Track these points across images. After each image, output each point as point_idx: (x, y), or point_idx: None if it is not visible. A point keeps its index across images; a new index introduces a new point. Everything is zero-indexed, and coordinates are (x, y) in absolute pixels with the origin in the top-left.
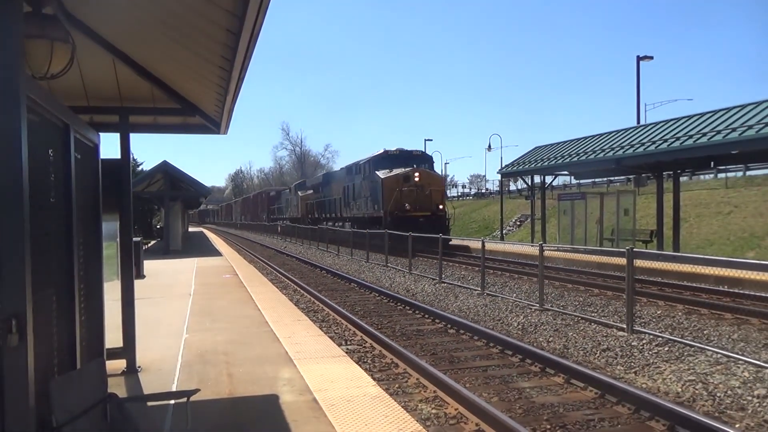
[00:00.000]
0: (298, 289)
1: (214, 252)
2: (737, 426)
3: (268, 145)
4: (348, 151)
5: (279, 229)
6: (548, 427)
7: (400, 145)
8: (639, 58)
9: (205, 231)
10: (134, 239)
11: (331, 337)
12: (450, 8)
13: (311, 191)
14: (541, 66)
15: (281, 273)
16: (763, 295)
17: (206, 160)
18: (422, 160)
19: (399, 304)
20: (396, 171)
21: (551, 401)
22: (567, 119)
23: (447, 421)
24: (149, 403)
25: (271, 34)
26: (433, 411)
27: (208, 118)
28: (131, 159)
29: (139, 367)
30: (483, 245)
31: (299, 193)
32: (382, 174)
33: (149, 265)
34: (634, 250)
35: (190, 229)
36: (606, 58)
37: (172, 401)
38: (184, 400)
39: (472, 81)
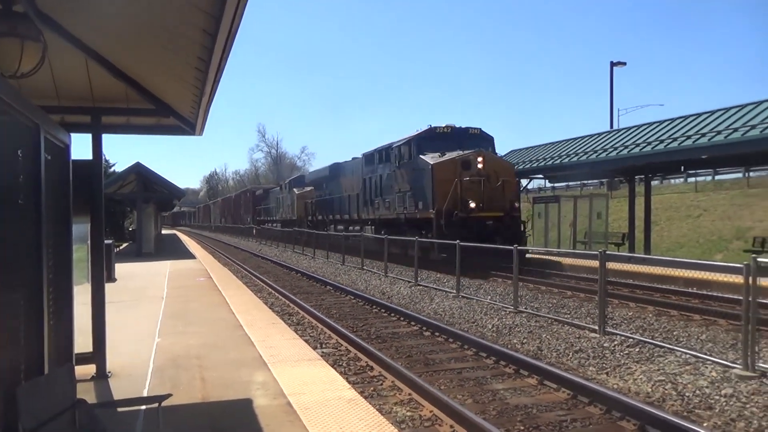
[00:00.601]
0: (273, 292)
1: (187, 255)
2: (705, 425)
3: (243, 146)
4: (325, 154)
5: (254, 231)
6: (522, 428)
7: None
8: (612, 64)
9: (179, 234)
10: (105, 242)
11: (306, 341)
12: (435, 8)
13: (311, 188)
14: (527, 68)
15: (256, 276)
16: (731, 296)
17: (181, 161)
18: (481, 140)
19: (374, 306)
20: (450, 155)
21: (525, 402)
22: (548, 122)
23: (422, 423)
24: (119, 409)
25: (249, 35)
26: (408, 413)
27: (183, 119)
28: (103, 160)
29: (109, 372)
30: (458, 248)
31: (295, 190)
32: (430, 159)
33: (121, 268)
34: (607, 252)
35: (164, 232)
36: (592, 61)
37: (144, 407)
38: (156, 405)
39: (452, 83)
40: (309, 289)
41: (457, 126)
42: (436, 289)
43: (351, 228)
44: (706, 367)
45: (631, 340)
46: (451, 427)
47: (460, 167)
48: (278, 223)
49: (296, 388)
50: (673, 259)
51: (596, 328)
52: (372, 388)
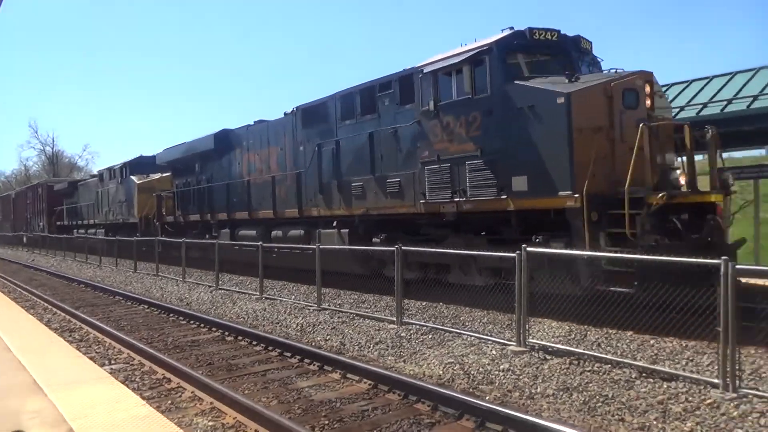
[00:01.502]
0: (50, 307)
1: None
2: (487, 398)
3: (10, 144)
4: (112, 153)
5: (25, 240)
6: (326, 422)
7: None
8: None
9: None
10: None
11: (91, 358)
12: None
13: (166, 174)
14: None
15: (28, 290)
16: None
17: None
18: (594, 65)
19: (172, 314)
20: (591, 79)
21: (329, 397)
22: None
23: None
24: None
25: (14, 17)
26: (210, 423)
27: None
28: None
29: None
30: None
31: (134, 178)
32: (553, 85)
33: None
34: (402, 247)
35: None
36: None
37: None
38: None
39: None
40: (94, 301)
41: (562, 33)
42: (238, 292)
43: (276, 233)
44: (488, 347)
45: (425, 328)
46: (256, 431)
47: (621, 104)
48: (101, 228)
49: (80, 411)
50: (446, 251)
51: (394, 319)
52: (170, 402)
